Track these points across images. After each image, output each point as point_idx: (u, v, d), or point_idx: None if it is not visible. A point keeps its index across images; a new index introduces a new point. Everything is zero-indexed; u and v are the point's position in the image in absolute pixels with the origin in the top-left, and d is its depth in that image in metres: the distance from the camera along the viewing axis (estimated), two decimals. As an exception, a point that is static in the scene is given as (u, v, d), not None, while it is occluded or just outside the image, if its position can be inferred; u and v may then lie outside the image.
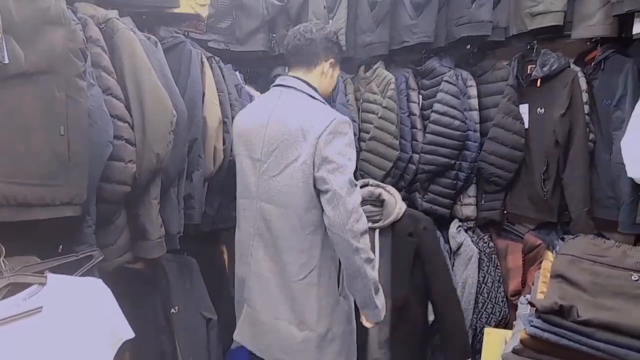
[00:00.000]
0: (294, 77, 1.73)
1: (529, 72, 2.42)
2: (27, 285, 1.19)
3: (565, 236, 1.46)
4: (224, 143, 2.10)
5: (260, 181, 1.69)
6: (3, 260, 1.19)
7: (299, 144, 1.58)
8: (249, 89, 2.52)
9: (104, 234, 1.56)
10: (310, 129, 1.57)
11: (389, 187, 2.21)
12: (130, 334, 1.30)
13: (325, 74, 1.76)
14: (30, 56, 1.21)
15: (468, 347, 2.17)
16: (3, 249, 1.20)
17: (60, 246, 1.39)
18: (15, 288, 1.18)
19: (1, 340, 1.08)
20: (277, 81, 1.77)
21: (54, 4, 1.27)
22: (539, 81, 2.34)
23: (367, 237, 1.58)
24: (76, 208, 1.33)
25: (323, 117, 1.59)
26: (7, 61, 1.16)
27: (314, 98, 1.70)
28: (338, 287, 1.70)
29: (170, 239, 1.77)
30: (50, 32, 1.25)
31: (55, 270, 1.27)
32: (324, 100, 1.73)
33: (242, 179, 1.77)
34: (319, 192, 1.59)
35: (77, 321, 1.17)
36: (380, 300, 1.66)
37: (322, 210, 1.59)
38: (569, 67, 2.29)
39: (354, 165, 1.61)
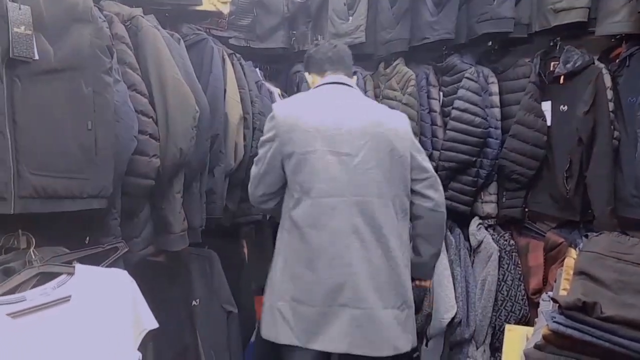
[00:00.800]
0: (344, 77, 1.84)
1: (551, 69, 2.39)
2: (56, 274, 1.22)
3: (589, 234, 1.45)
4: (244, 139, 2.12)
5: (354, 175, 1.66)
6: (33, 251, 1.22)
7: (393, 137, 1.70)
8: (269, 85, 2.54)
9: (129, 226, 1.58)
10: (398, 123, 1.75)
11: None
12: (154, 324, 1.32)
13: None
14: (59, 53, 1.24)
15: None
16: (33, 239, 1.24)
17: (87, 237, 1.42)
18: (45, 277, 1.21)
19: (32, 327, 1.11)
20: (334, 79, 1.80)
21: (82, 2, 1.30)
22: (562, 78, 2.32)
23: None
24: (102, 201, 1.36)
25: (399, 113, 1.85)
26: (37, 57, 1.19)
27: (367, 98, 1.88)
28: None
29: (193, 232, 1.80)
30: (78, 30, 1.29)
31: (82, 260, 1.30)
32: None
33: (325, 176, 1.65)
34: (411, 180, 1.75)
35: (103, 310, 1.20)
36: None
37: (412, 196, 1.76)
38: (593, 63, 2.26)
39: None
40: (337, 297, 1.63)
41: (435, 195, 1.76)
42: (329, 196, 1.64)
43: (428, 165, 1.78)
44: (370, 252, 1.64)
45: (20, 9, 1.14)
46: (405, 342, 1.69)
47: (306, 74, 1.93)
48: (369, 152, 1.66)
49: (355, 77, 1.92)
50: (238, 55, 2.22)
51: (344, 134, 1.65)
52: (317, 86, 1.82)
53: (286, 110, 1.73)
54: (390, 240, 1.67)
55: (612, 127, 2.19)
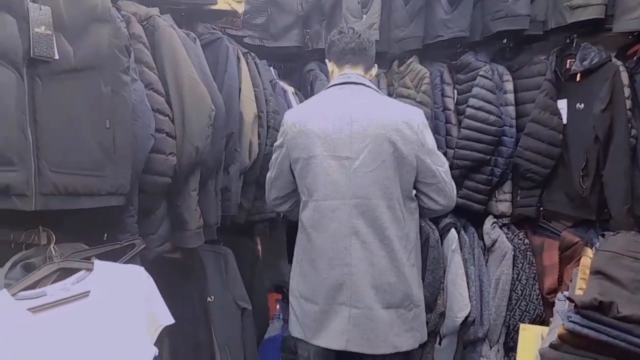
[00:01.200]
0: (358, 74, 1.79)
1: (568, 66, 2.37)
2: (75, 270, 1.25)
3: (605, 233, 1.43)
4: (259, 137, 2.14)
5: (349, 178, 1.69)
6: (53, 247, 1.25)
7: (397, 139, 1.67)
8: (283, 84, 2.55)
9: (146, 223, 1.61)
10: (405, 124, 1.68)
11: None
12: (170, 320, 1.34)
13: (372, 76, 1.86)
14: (79, 52, 1.26)
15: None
16: (54, 236, 1.26)
17: (105, 234, 1.44)
18: (65, 273, 1.24)
19: (51, 322, 1.13)
20: (342, 79, 1.77)
21: (101, 3, 1.32)
22: (578, 76, 2.29)
23: None
24: (120, 198, 1.38)
25: (412, 111, 1.75)
26: (57, 57, 1.21)
27: (380, 94, 1.81)
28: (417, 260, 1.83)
29: (209, 229, 1.82)
30: (97, 29, 1.31)
31: (100, 257, 1.33)
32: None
33: (326, 180, 1.71)
34: (416, 181, 1.74)
35: (121, 305, 1.22)
36: None
37: (418, 197, 1.78)
38: (610, 61, 2.23)
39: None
40: (337, 296, 1.71)
41: (444, 201, 1.76)
42: (329, 199, 1.71)
43: (439, 168, 1.72)
44: (372, 254, 1.69)
45: (40, 9, 1.16)
46: (407, 340, 1.72)
47: (327, 60, 1.88)
48: (370, 154, 1.68)
49: (375, 67, 1.88)
50: (253, 54, 2.24)
51: (344, 138, 1.69)
52: (329, 86, 1.82)
53: (294, 116, 1.80)
54: (393, 241, 1.69)
55: (629, 125, 2.16)
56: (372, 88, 1.78)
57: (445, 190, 1.74)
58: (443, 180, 1.73)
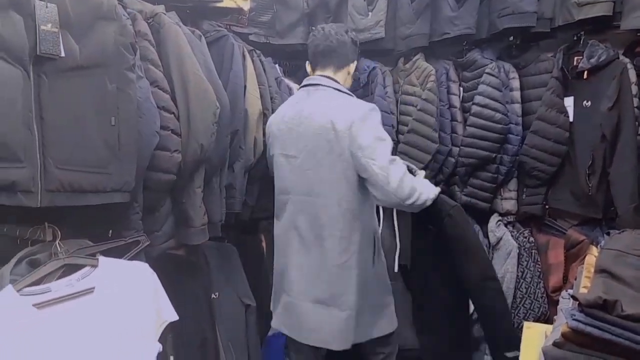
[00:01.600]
0: (322, 75, 1.85)
1: (575, 64, 2.35)
2: (80, 266, 1.26)
3: (611, 231, 1.42)
4: (263, 135, 2.14)
5: (295, 176, 1.81)
6: (59, 243, 1.26)
7: (332, 137, 1.70)
8: (289, 81, 2.55)
9: (150, 220, 1.62)
10: (340, 121, 1.70)
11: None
12: (174, 316, 1.35)
13: (350, 74, 1.91)
14: (85, 50, 1.27)
15: (514, 341, 2.10)
16: (59, 232, 1.27)
17: (110, 231, 1.45)
18: (70, 269, 1.25)
19: (56, 318, 1.14)
20: (305, 82, 1.89)
21: (106, 0, 1.33)
22: (585, 73, 2.28)
23: (413, 188, 1.70)
24: (125, 195, 1.39)
25: (351, 108, 1.74)
26: (63, 54, 1.22)
27: (340, 91, 1.82)
28: (373, 266, 1.83)
29: (213, 226, 1.83)
30: (103, 27, 1.31)
31: (105, 253, 1.34)
32: (350, 93, 1.86)
33: (279, 177, 1.89)
34: (359, 179, 1.72)
35: (125, 302, 1.23)
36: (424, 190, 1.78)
37: (363, 195, 1.75)
38: (618, 58, 2.21)
39: (391, 142, 1.75)
40: (281, 282, 1.89)
41: (380, 195, 1.69)
42: (282, 194, 1.88)
43: (372, 162, 1.66)
44: (308, 250, 1.79)
45: (47, 7, 1.17)
46: (333, 340, 1.77)
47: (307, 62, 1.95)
48: (308, 154, 1.76)
49: (351, 64, 1.89)
50: (258, 51, 2.24)
51: (293, 137, 1.81)
52: (299, 87, 1.92)
53: (272, 118, 1.98)
54: (327, 240, 1.75)
55: (636, 123, 2.15)
56: (330, 87, 1.82)
57: (378, 185, 1.67)
58: (375, 174, 1.66)
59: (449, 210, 2.00)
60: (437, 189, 1.88)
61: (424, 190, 1.77)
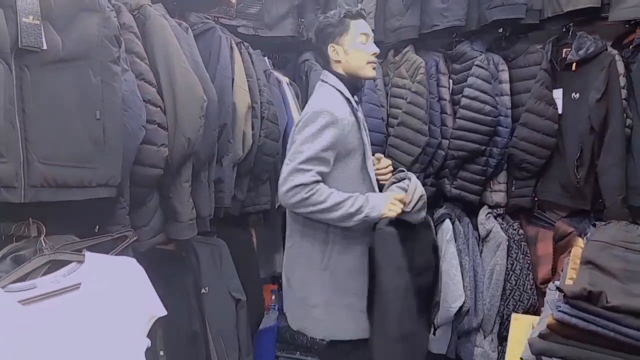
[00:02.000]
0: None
1: (563, 55, 2.36)
2: (66, 262, 1.24)
3: (597, 222, 1.43)
4: (252, 128, 2.12)
5: None
6: (44, 239, 1.24)
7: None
8: (278, 74, 2.53)
9: (138, 215, 1.60)
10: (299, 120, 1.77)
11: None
12: (162, 311, 1.34)
13: (335, 59, 1.84)
14: (67, 42, 1.24)
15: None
16: (44, 228, 1.26)
17: (97, 226, 1.44)
18: (55, 265, 1.23)
19: (42, 314, 1.13)
20: None
21: (89, -9, 1.30)
22: (574, 65, 2.28)
23: (306, 206, 1.65)
24: (111, 190, 1.37)
25: (307, 108, 1.78)
26: (45, 47, 1.20)
27: (325, 82, 1.84)
28: (322, 261, 1.80)
29: (201, 221, 1.82)
30: (86, 19, 1.29)
31: (91, 249, 1.32)
32: (334, 83, 1.81)
33: None
34: None
35: (112, 298, 1.22)
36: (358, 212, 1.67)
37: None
38: (606, 50, 2.22)
39: (312, 152, 1.65)
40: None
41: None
42: None
43: (288, 162, 1.68)
44: (292, 245, 1.89)
45: (28, -2, 1.15)
46: (311, 327, 1.88)
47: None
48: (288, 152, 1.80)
49: (331, 47, 1.82)
50: (246, 43, 2.22)
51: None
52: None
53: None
54: (296, 234, 1.86)
55: (624, 115, 2.16)
56: (322, 80, 1.85)
57: (281, 182, 1.68)
58: (283, 173, 1.68)
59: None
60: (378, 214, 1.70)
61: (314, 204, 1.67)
